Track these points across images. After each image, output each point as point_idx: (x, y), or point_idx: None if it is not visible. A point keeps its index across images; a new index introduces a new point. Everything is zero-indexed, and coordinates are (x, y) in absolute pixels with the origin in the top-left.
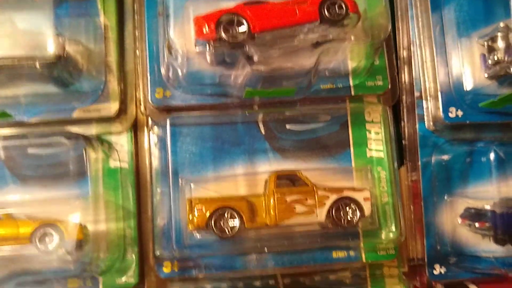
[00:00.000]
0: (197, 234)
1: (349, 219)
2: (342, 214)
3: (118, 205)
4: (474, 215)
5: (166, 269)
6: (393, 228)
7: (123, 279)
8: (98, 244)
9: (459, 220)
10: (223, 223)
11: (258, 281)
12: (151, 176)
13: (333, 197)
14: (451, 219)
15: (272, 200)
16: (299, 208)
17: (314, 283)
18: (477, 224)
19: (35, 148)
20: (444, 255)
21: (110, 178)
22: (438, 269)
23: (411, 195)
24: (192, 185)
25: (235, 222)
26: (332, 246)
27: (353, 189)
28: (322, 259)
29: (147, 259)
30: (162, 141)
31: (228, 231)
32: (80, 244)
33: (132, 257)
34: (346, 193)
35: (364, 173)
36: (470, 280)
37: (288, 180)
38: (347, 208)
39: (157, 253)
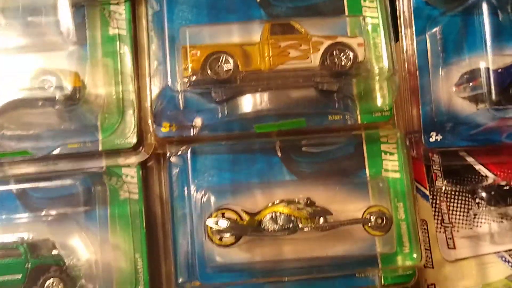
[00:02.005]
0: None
1: (343, 64)
2: (336, 59)
3: (117, 69)
4: (468, 78)
5: (164, 129)
6: (388, 89)
7: (122, 139)
8: (97, 103)
9: (454, 89)
10: (218, 67)
11: (256, 145)
12: (148, 42)
13: (327, 42)
14: (446, 89)
15: (266, 46)
16: (293, 53)
17: (311, 146)
18: (471, 84)
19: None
20: (440, 123)
21: (108, 44)
22: (434, 137)
23: (406, 69)
24: (187, 31)
25: (230, 66)
26: (327, 110)
27: (347, 36)
28: (318, 122)
29: (146, 120)
30: (158, 8)
31: (223, 74)
32: (77, 91)
33: (131, 118)
34: (340, 39)
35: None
36: (464, 150)
37: (282, 29)
38: (341, 53)
39: (155, 109)
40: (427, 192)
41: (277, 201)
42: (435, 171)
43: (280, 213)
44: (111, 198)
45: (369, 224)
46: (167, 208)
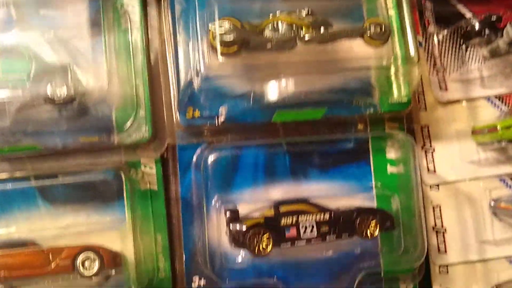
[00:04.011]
0: None
1: None
2: None
3: None
4: None
5: None
6: None
7: None
8: None
9: None
10: None
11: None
12: None
13: None
14: None
15: None
16: None
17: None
18: None
19: None
20: None
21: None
22: None
23: None
24: None
25: None
26: None
27: None
28: None
29: None
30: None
31: None
32: None
33: None
34: None
35: None
36: None
37: None
38: None
39: None
40: (420, 38)
41: (278, 12)
42: (427, 17)
43: (282, 21)
44: None
45: (368, 34)
46: (169, 39)
